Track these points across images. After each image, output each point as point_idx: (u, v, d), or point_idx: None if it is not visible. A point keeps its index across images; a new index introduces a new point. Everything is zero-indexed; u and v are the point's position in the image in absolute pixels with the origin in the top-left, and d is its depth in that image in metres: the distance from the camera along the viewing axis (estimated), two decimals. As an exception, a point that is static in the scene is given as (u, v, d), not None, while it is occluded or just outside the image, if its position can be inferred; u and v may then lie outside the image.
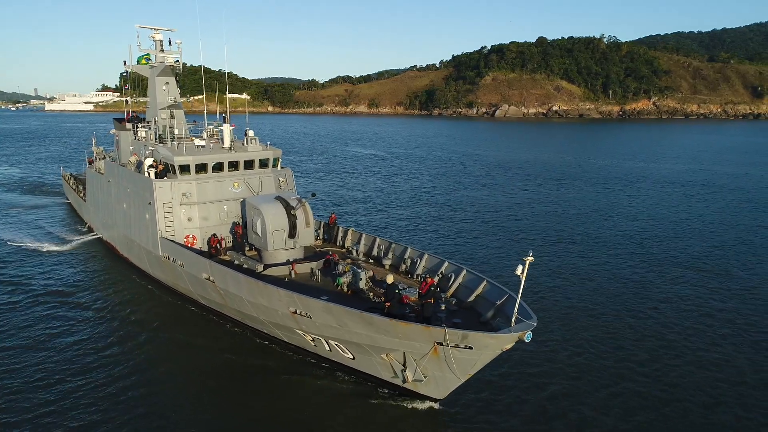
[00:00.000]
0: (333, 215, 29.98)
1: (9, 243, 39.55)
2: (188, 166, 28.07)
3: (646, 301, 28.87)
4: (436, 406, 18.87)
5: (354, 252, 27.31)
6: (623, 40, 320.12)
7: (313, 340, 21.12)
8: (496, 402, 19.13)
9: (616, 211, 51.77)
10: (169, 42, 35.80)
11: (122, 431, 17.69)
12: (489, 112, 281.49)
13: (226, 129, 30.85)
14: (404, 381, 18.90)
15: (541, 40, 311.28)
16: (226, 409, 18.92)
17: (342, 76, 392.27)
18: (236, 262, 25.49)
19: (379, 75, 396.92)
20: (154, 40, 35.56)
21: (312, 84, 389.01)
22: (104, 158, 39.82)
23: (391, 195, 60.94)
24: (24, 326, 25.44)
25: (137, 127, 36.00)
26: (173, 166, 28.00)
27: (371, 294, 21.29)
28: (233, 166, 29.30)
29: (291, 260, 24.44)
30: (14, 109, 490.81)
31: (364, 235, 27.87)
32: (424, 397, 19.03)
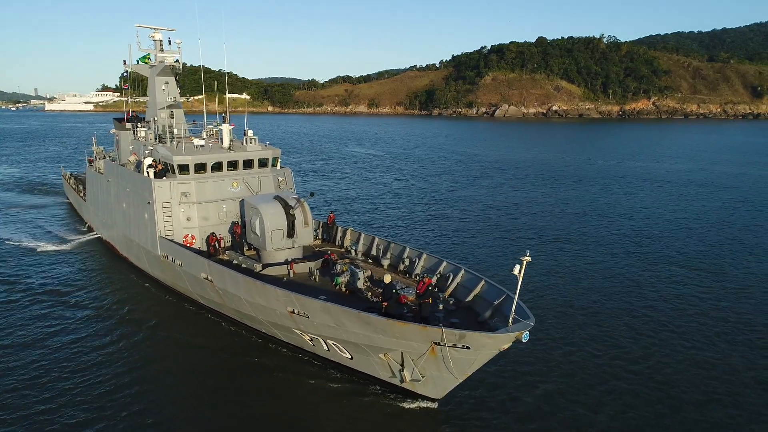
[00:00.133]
0: (331, 215, 30.02)
1: (9, 242, 39.61)
2: (187, 165, 28.11)
3: (641, 299, 28.97)
4: (434, 405, 18.90)
5: (353, 252, 27.35)
6: (623, 40, 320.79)
7: (311, 340, 21.16)
8: (493, 401, 19.18)
9: (614, 211, 51.82)
10: (169, 42, 35.88)
11: (120, 429, 17.74)
12: (489, 112, 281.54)
13: (225, 128, 30.91)
14: (402, 381, 18.92)
15: (541, 40, 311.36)
16: (225, 408, 18.97)
17: (342, 76, 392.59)
18: (235, 261, 25.53)
19: (379, 75, 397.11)
20: (154, 40, 35.62)
21: (312, 84, 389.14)
22: (104, 158, 39.90)
23: (390, 194, 61.00)
24: (23, 324, 25.51)
25: (137, 127, 36.05)
26: (172, 165, 28.05)
27: (369, 294, 21.33)
28: (232, 165, 29.34)
29: (289, 260, 24.49)
30: (14, 109, 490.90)
31: (362, 235, 27.91)
32: (422, 397, 19.06)
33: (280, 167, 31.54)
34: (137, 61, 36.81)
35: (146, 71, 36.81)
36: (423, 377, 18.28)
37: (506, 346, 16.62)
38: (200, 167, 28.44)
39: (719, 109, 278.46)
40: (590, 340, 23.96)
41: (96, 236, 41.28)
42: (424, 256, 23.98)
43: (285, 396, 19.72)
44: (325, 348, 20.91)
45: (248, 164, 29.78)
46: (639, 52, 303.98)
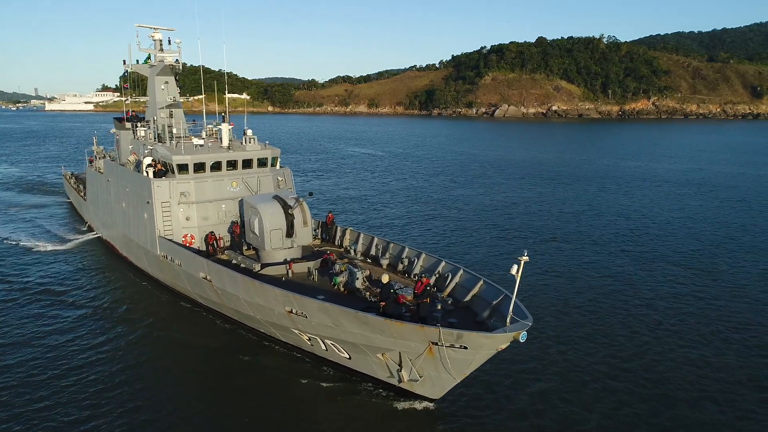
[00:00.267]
0: (330, 214, 30.05)
1: (9, 241, 39.67)
2: (186, 165, 28.14)
3: (637, 298, 29.10)
4: (432, 405, 18.92)
5: (352, 251, 27.36)
6: (623, 40, 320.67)
7: (310, 340, 21.20)
8: (491, 401, 19.21)
9: (612, 210, 51.85)
10: (169, 41, 35.92)
11: (118, 427, 17.79)
12: (488, 112, 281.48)
13: (225, 128, 30.93)
14: (400, 381, 18.93)
15: (541, 40, 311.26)
16: (223, 408, 19.01)
17: (342, 76, 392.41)
18: (234, 261, 25.57)
19: (379, 75, 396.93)
20: (154, 40, 35.66)
21: (312, 84, 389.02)
22: (104, 157, 39.95)
23: (388, 194, 61.03)
24: (21, 323, 25.59)
25: (136, 127, 36.10)
26: (171, 165, 28.08)
27: (368, 293, 21.35)
28: (232, 165, 29.37)
29: (288, 260, 24.51)
30: (14, 109, 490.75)
31: (362, 235, 27.93)
32: (420, 397, 19.07)
33: (280, 167, 31.58)
34: (137, 61, 36.88)
35: (146, 71, 36.87)
36: (421, 377, 18.29)
37: (504, 346, 16.64)
38: (199, 167, 28.46)
39: (719, 109, 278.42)
40: (587, 339, 24.04)
41: (96, 236, 41.33)
42: (423, 255, 24.01)
43: (283, 395, 19.75)
44: (324, 348, 20.94)
45: (247, 164, 29.80)
46: (639, 52, 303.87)
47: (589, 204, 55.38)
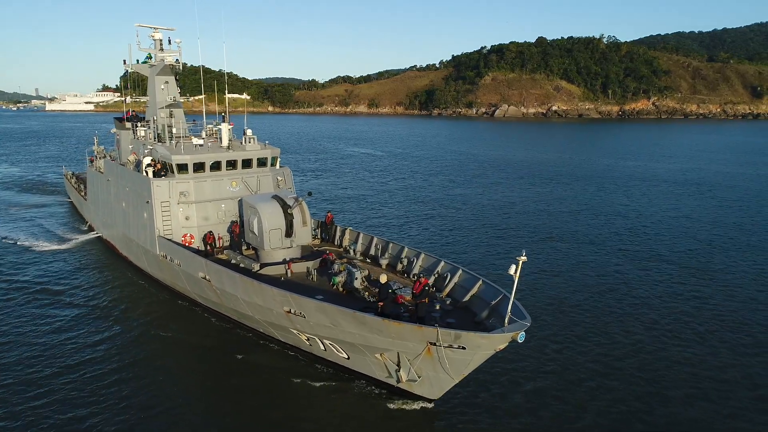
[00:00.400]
0: (329, 214, 30.07)
1: (9, 241, 39.73)
2: (186, 165, 28.16)
3: (633, 298, 29.23)
4: (431, 406, 18.91)
5: (351, 251, 27.35)
6: (623, 40, 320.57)
7: (308, 340, 21.22)
8: (490, 401, 19.22)
9: (610, 210, 51.85)
10: (169, 41, 35.96)
11: (116, 424, 17.86)
12: (488, 112, 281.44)
13: (224, 128, 30.92)
14: (398, 381, 18.93)
15: (541, 40, 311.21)
16: (221, 407, 19.05)
17: (342, 76, 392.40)
18: (233, 261, 25.58)
19: (379, 75, 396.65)
20: (154, 39, 35.71)
21: (312, 84, 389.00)
22: (104, 157, 40.00)
23: (387, 193, 61.08)
24: (21, 322, 25.65)
25: (137, 127, 36.13)
26: (171, 165, 28.11)
27: (366, 293, 21.35)
28: (231, 165, 29.39)
29: (287, 259, 24.53)
30: (15, 109, 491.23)
31: (361, 235, 27.93)
32: (418, 398, 19.07)
33: (279, 167, 31.60)
34: (137, 60, 36.91)
35: (146, 71, 36.91)
36: (419, 377, 18.28)
37: (502, 347, 16.62)
38: (199, 167, 28.48)
39: (719, 109, 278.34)
40: (584, 338, 24.12)
41: (96, 235, 41.39)
42: (422, 255, 24.01)
43: (281, 395, 19.77)
44: (322, 348, 20.96)
45: (247, 164, 29.81)
46: (639, 52, 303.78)
47: (588, 203, 55.44)
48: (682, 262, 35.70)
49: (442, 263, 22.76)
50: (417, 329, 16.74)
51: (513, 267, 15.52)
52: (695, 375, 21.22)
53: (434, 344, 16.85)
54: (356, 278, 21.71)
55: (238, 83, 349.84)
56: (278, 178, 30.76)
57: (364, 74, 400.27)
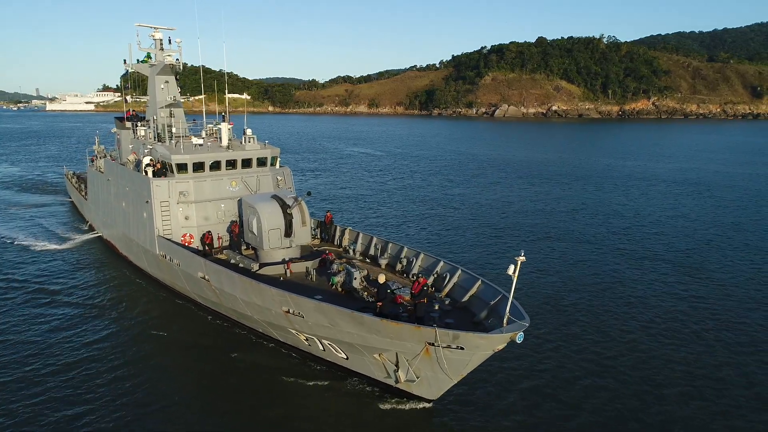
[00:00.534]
0: (329, 213, 30.08)
1: (10, 240, 39.75)
2: (185, 164, 28.16)
3: (630, 297, 29.30)
4: (430, 406, 18.91)
5: (351, 251, 27.36)
6: (623, 40, 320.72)
7: (307, 340, 21.23)
8: (490, 402, 19.23)
9: (609, 209, 51.85)
10: (169, 41, 35.99)
11: (114, 421, 17.93)
12: (488, 112, 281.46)
13: (224, 127, 30.92)
14: (397, 381, 18.93)
15: (541, 40, 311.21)
16: (220, 407, 19.06)
17: (342, 76, 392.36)
18: (232, 261, 25.60)
19: (379, 75, 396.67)
20: (154, 39, 35.74)
21: (312, 84, 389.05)
22: (105, 157, 40.04)
23: (386, 193, 61.08)
24: (20, 320, 25.69)
25: (137, 126, 36.16)
26: (170, 164, 28.12)
27: (365, 293, 21.35)
28: (231, 164, 29.39)
29: (286, 259, 24.55)
30: (15, 109, 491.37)
31: (361, 234, 27.93)
32: (417, 398, 19.06)
33: (279, 166, 31.61)
34: (137, 60, 36.93)
35: (146, 70, 36.92)
36: (418, 378, 18.28)
37: (501, 347, 16.58)
38: (198, 166, 28.48)
39: (719, 109, 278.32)
40: (582, 337, 24.16)
41: (97, 235, 41.42)
42: (422, 255, 24.01)
43: (280, 395, 19.79)
44: (321, 348, 20.98)
45: (247, 163, 29.82)
46: (639, 52, 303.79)
47: (586, 203, 55.47)
48: (679, 261, 35.78)
49: (442, 263, 22.76)
50: (415, 329, 16.74)
51: (511, 267, 15.51)
52: (690, 373, 21.32)
53: (432, 344, 16.83)
54: (355, 278, 21.70)
55: (238, 83, 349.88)
56: (278, 177, 30.77)
57: (364, 74, 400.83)
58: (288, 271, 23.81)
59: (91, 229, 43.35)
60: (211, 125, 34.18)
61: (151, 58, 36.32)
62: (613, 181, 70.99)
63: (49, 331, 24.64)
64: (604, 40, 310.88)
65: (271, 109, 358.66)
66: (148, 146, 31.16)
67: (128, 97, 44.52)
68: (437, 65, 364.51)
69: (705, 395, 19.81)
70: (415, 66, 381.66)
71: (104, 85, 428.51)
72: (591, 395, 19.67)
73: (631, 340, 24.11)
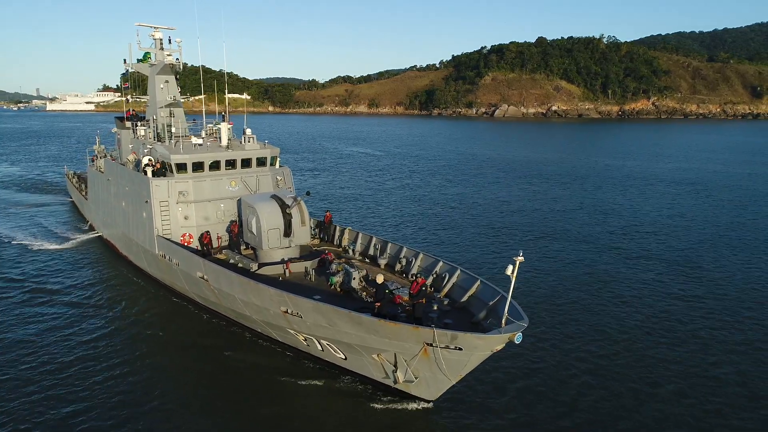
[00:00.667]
0: (328, 213, 30.08)
1: (10, 240, 39.76)
2: (185, 164, 28.17)
3: (627, 296, 29.38)
4: (429, 406, 18.89)
5: (350, 251, 27.36)
6: (623, 40, 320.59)
7: (306, 340, 21.23)
8: (489, 402, 19.23)
9: (607, 209, 51.84)
10: (169, 40, 35.97)
11: (111, 419, 17.98)
12: (488, 112, 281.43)
13: (224, 127, 30.92)
14: (395, 382, 18.89)
15: (541, 40, 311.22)
16: (218, 406, 19.06)
17: (342, 76, 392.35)
18: (231, 260, 25.61)
19: (379, 75, 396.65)
20: (154, 39, 35.74)
21: (312, 84, 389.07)
22: (105, 156, 40.06)
23: (385, 192, 61.06)
24: (19, 320, 25.73)
25: (137, 126, 36.16)
26: (170, 164, 28.13)
27: (364, 294, 21.35)
28: (230, 164, 29.39)
29: (285, 259, 24.55)
30: (16, 109, 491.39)
31: (360, 234, 27.92)
32: (416, 398, 19.05)
33: (279, 166, 31.61)
34: (138, 60, 36.94)
35: (146, 70, 36.92)
36: (416, 378, 18.26)
37: (499, 348, 16.56)
38: (198, 166, 28.49)
39: (719, 109, 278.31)
40: (580, 336, 24.20)
41: (97, 235, 41.44)
42: (421, 255, 24.00)
43: (279, 395, 19.80)
44: (320, 348, 20.98)
45: (246, 163, 29.82)
46: (639, 52, 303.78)
47: (584, 203, 55.49)
48: (675, 260, 35.85)
49: (441, 263, 22.75)
50: (413, 330, 16.71)
51: (510, 267, 15.48)
52: (685, 372, 21.42)
53: (431, 345, 16.82)
54: (354, 278, 21.70)
55: (238, 83, 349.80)
56: (278, 177, 30.76)
57: (365, 74, 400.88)
58: (287, 271, 23.81)
59: (92, 228, 43.37)
60: (210, 125, 34.18)
61: (150, 57, 36.31)
62: (612, 180, 71.01)
63: (48, 330, 24.68)
64: (604, 40, 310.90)
65: (271, 109, 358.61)
66: (148, 146, 31.16)
67: (128, 97, 44.54)
68: (437, 65, 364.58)
69: (699, 393, 19.90)
70: (415, 66, 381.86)
71: (104, 85, 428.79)
72: (587, 393, 19.73)
73: (627, 338, 24.22)
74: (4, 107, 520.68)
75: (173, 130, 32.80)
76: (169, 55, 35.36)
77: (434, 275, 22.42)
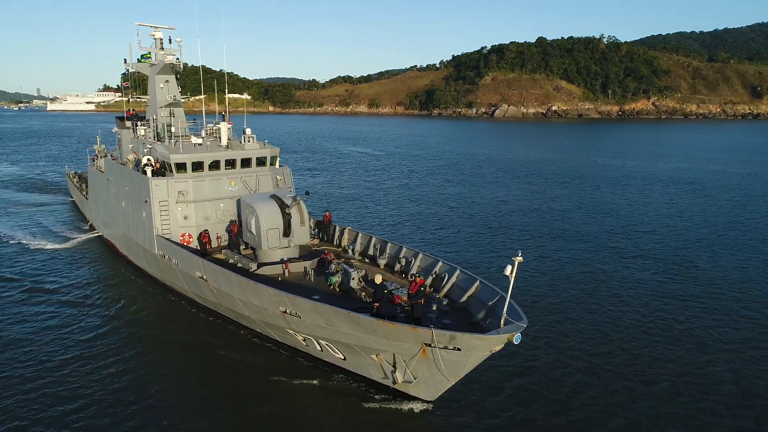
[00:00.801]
0: (327, 213, 30.09)
1: (10, 240, 39.78)
2: (184, 164, 28.17)
3: (625, 295, 29.41)
4: (428, 407, 18.87)
5: (350, 251, 27.36)
6: (623, 40, 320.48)
7: (305, 340, 21.23)
8: (487, 402, 19.23)
9: (606, 209, 51.84)
10: (169, 40, 35.96)
11: (109, 416, 18.03)
12: (488, 112, 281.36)
13: (224, 127, 30.92)
14: (394, 382, 18.87)
15: (541, 40, 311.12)
16: (217, 408, 19.06)
17: (342, 76, 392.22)
18: (231, 260, 25.62)
19: (380, 75, 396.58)
20: (154, 38, 35.74)
21: (312, 84, 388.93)
22: (105, 156, 40.09)
23: (385, 192, 61.05)
24: (18, 319, 25.76)
25: (137, 126, 36.19)
26: (170, 164, 28.15)
27: (363, 294, 21.33)
28: (230, 164, 29.39)
29: (285, 259, 24.56)
30: (16, 109, 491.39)
31: (360, 234, 27.92)
32: (414, 399, 19.03)
33: (279, 166, 31.62)
34: (138, 59, 36.96)
35: (147, 70, 36.93)
36: (415, 379, 18.24)
37: (498, 348, 16.55)
38: (197, 166, 28.49)
39: (719, 109, 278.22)
40: (579, 336, 24.22)
41: (97, 234, 41.47)
42: (420, 255, 23.99)
43: (278, 396, 19.80)
44: (318, 348, 20.99)
45: (246, 163, 29.82)
46: (639, 52, 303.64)
47: (583, 202, 55.51)
48: (671, 259, 35.91)
49: (440, 263, 22.74)
50: (411, 330, 16.69)
51: (509, 267, 15.48)
52: (680, 370, 21.48)
53: (429, 345, 16.81)
54: (353, 278, 21.70)
55: (238, 83, 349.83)
56: (277, 177, 30.77)
57: (365, 74, 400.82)
58: (286, 271, 23.81)
59: (92, 228, 43.41)
60: (210, 125, 34.19)
61: (151, 56, 36.32)
62: (611, 180, 71.02)
63: (47, 329, 24.72)
64: (604, 40, 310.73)
65: (271, 109, 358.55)
66: (148, 146, 31.18)
67: (129, 97, 44.56)
68: (437, 65, 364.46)
69: (693, 391, 19.97)
70: (415, 66, 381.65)
71: (105, 85, 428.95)
72: (582, 392, 19.79)
73: (622, 337, 24.31)
74: (5, 107, 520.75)
75: (173, 129, 32.79)
76: (169, 54, 35.38)
77: (433, 275, 22.42)
